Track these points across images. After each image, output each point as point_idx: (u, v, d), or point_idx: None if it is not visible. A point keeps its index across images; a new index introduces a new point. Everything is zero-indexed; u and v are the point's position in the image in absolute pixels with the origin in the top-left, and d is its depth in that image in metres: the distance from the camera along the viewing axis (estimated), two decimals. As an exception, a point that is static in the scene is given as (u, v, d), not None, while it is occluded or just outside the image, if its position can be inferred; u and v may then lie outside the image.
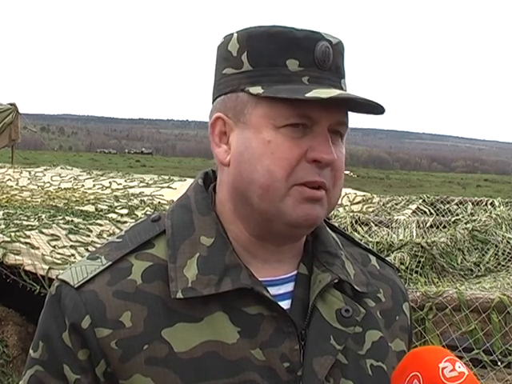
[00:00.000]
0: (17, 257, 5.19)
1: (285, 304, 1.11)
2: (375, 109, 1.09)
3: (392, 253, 5.11)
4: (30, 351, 1.12)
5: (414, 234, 6.28)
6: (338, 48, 1.11)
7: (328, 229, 1.21)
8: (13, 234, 5.41)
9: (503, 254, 5.61)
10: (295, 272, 1.15)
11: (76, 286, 1.09)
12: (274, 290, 1.11)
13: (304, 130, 1.07)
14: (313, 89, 1.05)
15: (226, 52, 1.12)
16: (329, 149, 1.07)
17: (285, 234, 1.12)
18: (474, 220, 6.26)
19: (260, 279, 1.10)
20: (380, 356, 1.16)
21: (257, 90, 1.07)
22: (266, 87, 1.07)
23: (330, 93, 1.04)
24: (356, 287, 1.16)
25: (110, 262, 1.11)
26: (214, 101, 1.15)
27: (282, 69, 1.08)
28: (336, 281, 1.14)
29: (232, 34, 1.13)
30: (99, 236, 6.09)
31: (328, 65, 1.09)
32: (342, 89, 1.11)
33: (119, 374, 1.06)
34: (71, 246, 5.69)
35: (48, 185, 10.36)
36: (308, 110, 1.06)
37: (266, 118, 1.07)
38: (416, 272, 4.83)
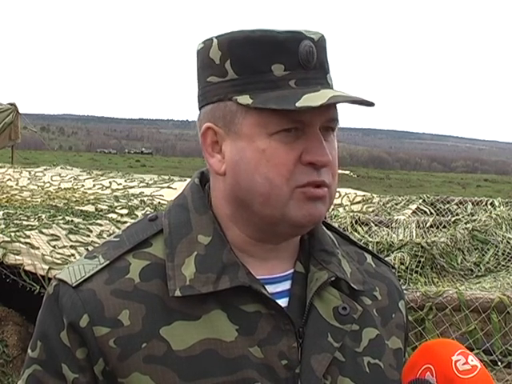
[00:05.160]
0: (17, 257, 5.19)
1: (282, 302, 1.11)
2: (363, 101, 1.07)
3: (392, 253, 5.10)
4: (29, 350, 1.12)
5: (414, 234, 6.27)
6: (320, 44, 1.10)
7: (324, 227, 1.22)
8: (13, 234, 5.41)
9: (503, 254, 5.60)
10: (292, 270, 1.15)
11: (74, 285, 1.09)
12: (271, 288, 1.11)
13: (296, 133, 1.07)
14: (301, 94, 1.05)
15: (207, 59, 1.11)
16: (323, 150, 1.07)
17: (288, 235, 1.13)
18: (474, 220, 6.25)
19: (257, 277, 1.10)
20: (377, 353, 1.16)
21: (245, 99, 1.07)
22: (254, 96, 1.06)
23: (319, 97, 1.04)
24: (353, 285, 1.17)
25: (107, 261, 1.11)
26: (200, 108, 1.14)
27: (267, 75, 1.07)
28: (333, 279, 1.14)
29: (211, 40, 1.11)
30: (99, 236, 6.08)
31: (313, 64, 1.08)
32: (328, 84, 1.10)
33: (118, 372, 1.06)
34: (71, 246, 5.69)
35: (48, 185, 10.35)
36: (299, 115, 1.05)
37: (258, 127, 1.06)
38: (416, 272, 4.82)
